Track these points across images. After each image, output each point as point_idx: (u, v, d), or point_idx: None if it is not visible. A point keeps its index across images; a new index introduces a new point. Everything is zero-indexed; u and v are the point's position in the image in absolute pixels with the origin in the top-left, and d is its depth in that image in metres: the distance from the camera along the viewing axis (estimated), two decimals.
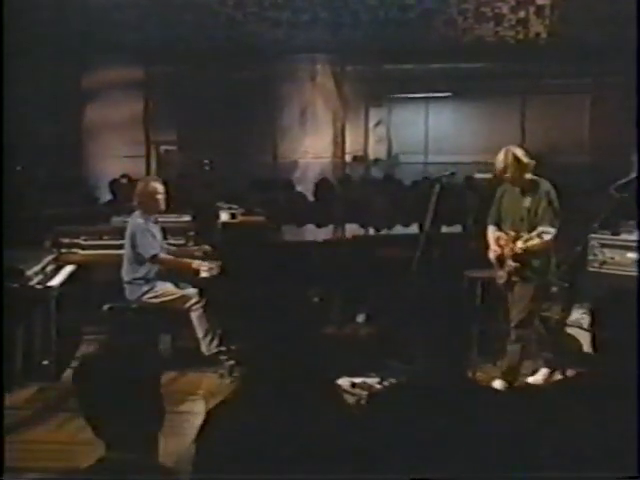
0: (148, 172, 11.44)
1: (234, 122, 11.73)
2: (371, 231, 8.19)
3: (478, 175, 12.08)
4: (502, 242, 5.89)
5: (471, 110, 12.99)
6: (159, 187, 6.70)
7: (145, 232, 6.57)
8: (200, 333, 6.65)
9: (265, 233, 6.67)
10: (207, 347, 6.66)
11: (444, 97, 13.04)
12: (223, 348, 6.67)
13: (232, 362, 6.44)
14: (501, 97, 12.44)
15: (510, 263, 5.82)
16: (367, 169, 12.96)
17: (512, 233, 5.80)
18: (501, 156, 5.86)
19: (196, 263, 6.72)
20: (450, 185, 8.14)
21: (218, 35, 11.34)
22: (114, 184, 9.48)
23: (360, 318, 8.17)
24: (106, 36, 10.99)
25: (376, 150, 13.28)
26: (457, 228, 8.43)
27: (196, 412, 5.78)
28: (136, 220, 6.65)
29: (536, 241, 5.60)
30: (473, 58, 11.90)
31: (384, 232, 8.13)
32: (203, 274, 6.64)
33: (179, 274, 6.79)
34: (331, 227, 8.25)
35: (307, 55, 11.72)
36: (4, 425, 4.80)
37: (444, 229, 8.17)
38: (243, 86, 11.73)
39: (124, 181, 9.78)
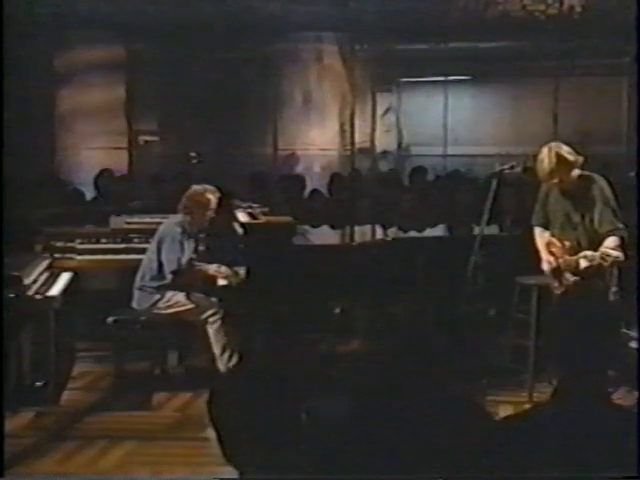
0: (131, 167, 11.42)
1: (226, 110, 11.74)
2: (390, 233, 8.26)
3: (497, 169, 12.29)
4: (554, 250, 5.87)
5: (494, 96, 13.04)
6: (213, 201, 6.81)
7: (176, 243, 6.69)
8: (217, 349, 6.72)
9: (290, 236, 6.72)
10: (225, 365, 6.71)
11: (463, 81, 13.09)
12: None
13: None
14: (529, 81, 12.48)
15: (569, 277, 5.81)
16: (374, 162, 12.99)
17: (567, 243, 5.79)
18: (544, 159, 5.74)
19: (213, 269, 6.77)
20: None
21: (207, 9, 11.37)
22: (99, 180, 9.49)
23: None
24: (81, 10, 10.98)
25: (384, 141, 13.30)
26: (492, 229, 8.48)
27: None
28: (174, 227, 6.74)
29: (600, 261, 5.53)
30: (497, 36, 11.97)
31: (412, 233, 8.18)
32: (221, 282, 6.68)
33: (193, 284, 6.83)
34: (344, 229, 8.34)
35: (311, 33, 11.74)
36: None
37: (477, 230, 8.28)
38: (237, 68, 11.74)
39: (107, 176, 9.81)
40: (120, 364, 6.74)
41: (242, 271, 6.72)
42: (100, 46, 11.49)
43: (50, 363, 6.39)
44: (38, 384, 6.51)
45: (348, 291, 6.94)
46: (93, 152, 11.36)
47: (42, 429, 5.98)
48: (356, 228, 8.29)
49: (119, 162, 11.52)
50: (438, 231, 8.39)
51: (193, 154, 11.53)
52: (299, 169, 11.78)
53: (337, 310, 7.65)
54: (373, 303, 7.38)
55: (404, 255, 6.86)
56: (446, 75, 12.95)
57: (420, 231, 8.06)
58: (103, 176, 9.79)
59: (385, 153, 13.19)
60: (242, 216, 7.02)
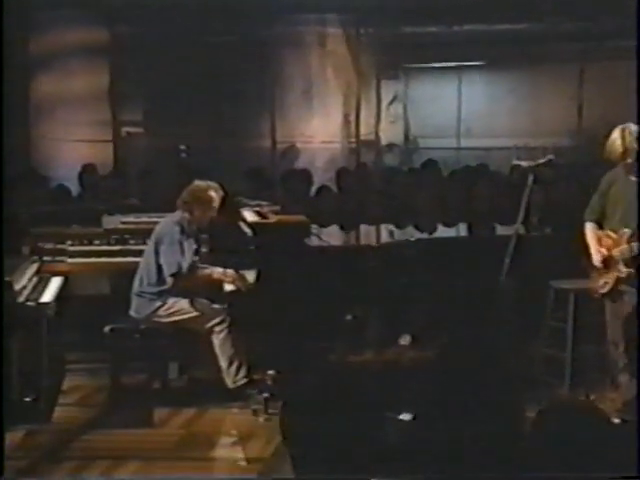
0: (116, 161, 11.44)
1: (219, 99, 11.78)
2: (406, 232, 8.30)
3: (515, 162, 12.32)
4: (609, 242, 5.99)
5: (510, 82, 13.06)
6: (216, 200, 6.83)
7: (175, 244, 6.69)
8: (224, 360, 6.74)
9: (303, 236, 6.74)
10: (232, 377, 6.75)
11: (476, 67, 13.12)
12: (253, 377, 6.74)
13: (266, 395, 6.50)
14: (550, 66, 12.47)
15: (621, 268, 5.93)
16: (378, 156, 13.03)
17: (626, 230, 5.90)
18: (617, 139, 5.95)
19: (218, 272, 6.80)
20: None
21: None
22: (83, 176, 9.51)
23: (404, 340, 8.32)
24: None
25: (389, 133, 13.33)
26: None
27: (234, 458, 5.86)
28: (172, 226, 6.76)
29: None
30: (514, 17, 12.01)
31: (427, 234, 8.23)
32: (228, 287, 6.70)
33: (196, 289, 6.86)
34: (356, 229, 8.37)
35: (312, 15, 11.77)
36: None
37: (499, 230, 8.35)
38: (231, 53, 11.76)
39: (91, 172, 9.83)
40: (117, 377, 6.74)
41: (250, 275, 6.72)
42: (80, 28, 11.47)
43: (42, 376, 6.39)
44: (27, 399, 6.48)
45: (368, 296, 6.97)
46: (73, 145, 11.34)
47: (35, 449, 5.96)
48: (362, 228, 8.29)
49: (100, 156, 11.51)
50: (455, 231, 8.41)
51: (182, 147, 11.58)
52: (299, 163, 11.81)
53: (349, 317, 7.68)
54: (398, 309, 7.44)
55: (428, 257, 6.89)
56: (458, 60, 12.97)
57: (431, 232, 8.10)
58: (87, 172, 9.79)
59: (390, 146, 13.23)
60: (250, 215, 7.02)
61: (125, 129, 12.36)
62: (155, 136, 12.31)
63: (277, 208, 7.07)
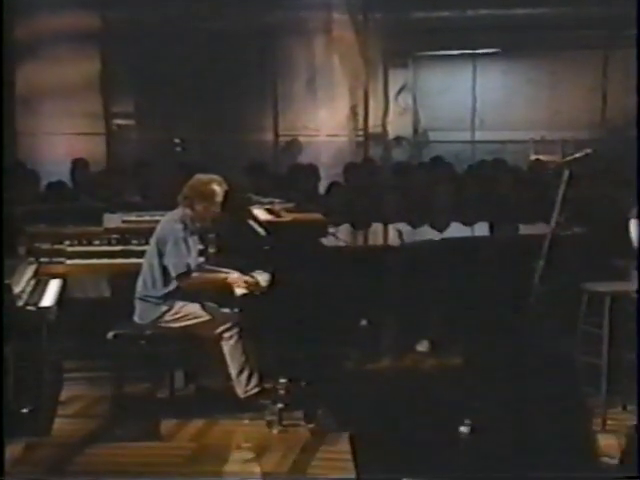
0: (109, 155, 11.47)
1: (218, 89, 11.80)
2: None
3: (534, 157, 12.38)
4: None
5: (527, 71, 13.12)
6: (219, 194, 6.84)
7: (180, 243, 6.69)
8: (234, 368, 6.74)
9: (319, 236, 6.74)
10: (243, 386, 6.75)
11: (491, 54, 13.16)
12: (265, 387, 6.77)
13: (280, 405, 6.52)
14: (570, 53, 12.49)
15: None
16: (386, 150, 13.08)
17: None
18: None
19: (228, 276, 6.82)
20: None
21: None
22: (76, 172, 9.54)
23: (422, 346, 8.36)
24: None
25: (397, 125, 13.38)
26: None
27: (250, 472, 5.89)
28: (174, 225, 6.77)
29: None
30: (532, 1, 12.04)
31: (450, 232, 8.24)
32: (238, 291, 6.71)
33: (204, 292, 6.88)
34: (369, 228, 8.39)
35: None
36: None
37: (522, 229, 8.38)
38: (231, 40, 11.79)
39: (82, 167, 9.85)
40: (121, 386, 6.76)
41: (261, 277, 6.71)
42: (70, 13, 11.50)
43: (41, 386, 6.39)
44: (24, 410, 6.48)
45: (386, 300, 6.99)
46: (60, 138, 11.36)
47: (37, 464, 5.97)
48: (380, 227, 8.31)
49: (91, 150, 11.53)
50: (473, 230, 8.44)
51: (177, 141, 11.61)
52: (303, 158, 11.84)
53: (363, 322, 7.71)
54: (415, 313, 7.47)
55: (453, 258, 6.92)
56: (472, 48, 13.00)
57: (441, 230, 8.14)
58: (79, 167, 9.82)
59: (399, 139, 13.26)
60: (261, 213, 7.02)
61: (116, 121, 12.38)
62: (147, 129, 12.32)
63: (290, 205, 7.05)
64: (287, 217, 6.74)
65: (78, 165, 9.91)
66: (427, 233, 8.07)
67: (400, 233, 7.95)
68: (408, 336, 8.18)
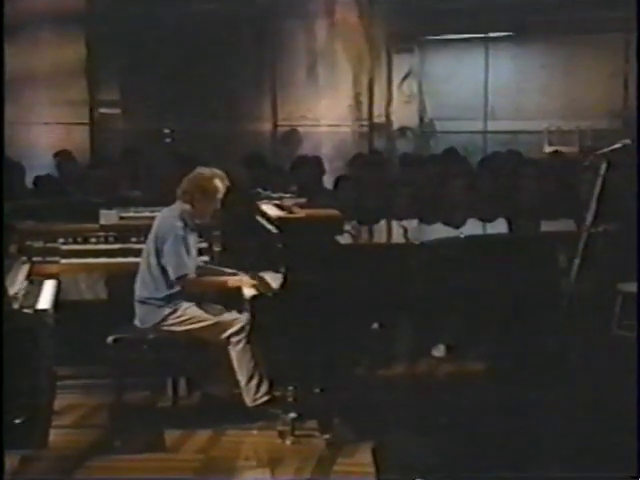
0: (93, 147, 11.48)
1: (211, 75, 11.81)
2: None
3: (549, 149, 12.43)
4: None
5: (542, 56, 13.09)
6: (221, 190, 6.90)
7: (179, 241, 6.74)
8: (242, 375, 6.79)
9: (335, 233, 6.74)
10: (252, 394, 6.79)
11: (501, 38, 13.16)
12: (275, 394, 6.81)
13: (293, 415, 6.56)
14: (589, 36, 12.45)
15: None
16: (390, 141, 13.09)
17: None
18: None
19: (235, 279, 6.86)
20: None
21: None
22: (62, 165, 9.56)
23: (438, 351, 8.43)
24: None
25: (402, 114, 13.38)
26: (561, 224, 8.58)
27: None
28: (173, 221, 6.81)
29: None
30: None
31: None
32: (247, 292, 6.74)
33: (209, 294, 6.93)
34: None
35: None
36: None
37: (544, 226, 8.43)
38: (226, 23, 11.80)
39: (68, 159, 9.89)
40: (121, 394, 6.80)
41: (272, 277, 6.75)
42: None
43: (38, 394, 6.42)
44: (17, 421, 6.50)
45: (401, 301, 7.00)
46: (44, 128, 11.37)
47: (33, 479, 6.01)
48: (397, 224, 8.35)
49: (74, 140, 11.54)
50: (496, 227, 8.48)
51: (167, 131, 11.62)
52: (303, 149, 11.88)
53: (375, 325, 7.75)
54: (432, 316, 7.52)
55: (477, 257, 6.94)
56: (481, 31, 12.99)
57: (457, 226, 8.18)
58: (64, 159, 9.84)
59: (403, 129, 13.27)
60: (270, 209, 7.02)
61: (100, 110, 12.36)
62: (134, 118, 12.30)
63: (302, 201, 7.07)
64: (300, 213, 6.72)
65: (63, 157, 9.93)
66: (443, 231, 8.08)
67: (414, 230, 7.98)
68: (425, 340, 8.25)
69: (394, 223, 8.22)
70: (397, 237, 8.15)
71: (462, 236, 7.06)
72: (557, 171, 9.89)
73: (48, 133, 11.45)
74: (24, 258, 7.15)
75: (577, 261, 6.26)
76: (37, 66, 11.55)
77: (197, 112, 11.85)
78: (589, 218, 6.36)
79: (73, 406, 7.21)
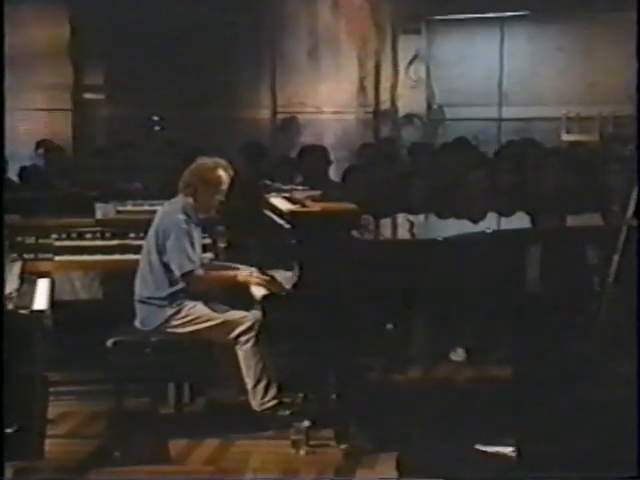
0: (75, 135, 11.50)
1: (204, 58, 11.84)
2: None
3: (567, 137, 12.49)
4: None
5: (558, 37, 13.12)
6: (226, 180, 6.96)
7: (183, 236, 6.80)
8: (250, 377, 6.83)
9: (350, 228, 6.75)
10: (260, 398, 6.83)
11: (516, 18, 13.18)
12: (285, 400, 6.86)
13: (307, 423, 6.60)
14: (608, 16, 12.45)
15: None
16: (395, 128, 13.11)
17: None
18: None
19: (245, 273, 6.90)
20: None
21: None
22: (49, 154, 9.60)
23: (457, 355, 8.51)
24: None
25: (408, 100, 13.38)
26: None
27: None
28: (175, 216, 6.87)
29: None
30: None
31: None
32: (256, 291, 6.76)
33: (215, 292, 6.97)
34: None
35: None
36: None
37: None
38: (221, 2, 11.83)
39: (53, 149, 9.92)
40: (122, 400, 6.83)
41: (281, 276, 6.78)
42: None
43: (33, 401, 6.43)
44: (9, 430, 6.52)
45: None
46: (23, 114, 11.37)
47: None
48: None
49: (56, 128, 11.56)
50: (517, 222, 8.53)
51: (155, 118, 11.63)
52: (303, 138, 11.91)
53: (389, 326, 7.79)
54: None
55: (505, 253, 6.98)
56: (494, 11, 13.00)
57: (476, 221, 8.22)
58: (49, 149, 9.88)
59: (410, 116, 13.29)
60: (280, 202, 7.04)
61: (84, 95, 12.36)
62: (120, 104, 12.30)
63: (316, 194, 7.10)
64: (315, 207, 6.72)
65: (48, 146, 9.96)
66: (460, 226, 8.12)
67: (431, 225, 8.03)
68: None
69: (410, 217, 8.21)
70: (417, 232, 8.13)
71: (489, 231, 7.05)
72: (582, 161, 9.94)
73: (27, 120, 11.38)
74: (14, 255, 7.13)
75: (616, 258, 6.26)
76: (14, 46, 11.51)
77: (190, 98, 11.84)
78: (630, 212, 6.37)
79: (70, 414, 7.25)
